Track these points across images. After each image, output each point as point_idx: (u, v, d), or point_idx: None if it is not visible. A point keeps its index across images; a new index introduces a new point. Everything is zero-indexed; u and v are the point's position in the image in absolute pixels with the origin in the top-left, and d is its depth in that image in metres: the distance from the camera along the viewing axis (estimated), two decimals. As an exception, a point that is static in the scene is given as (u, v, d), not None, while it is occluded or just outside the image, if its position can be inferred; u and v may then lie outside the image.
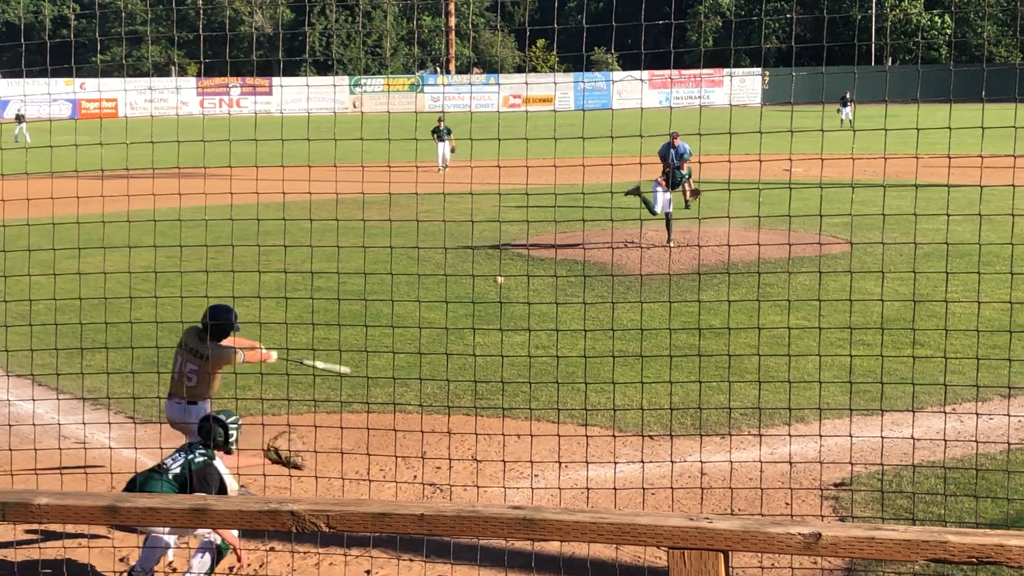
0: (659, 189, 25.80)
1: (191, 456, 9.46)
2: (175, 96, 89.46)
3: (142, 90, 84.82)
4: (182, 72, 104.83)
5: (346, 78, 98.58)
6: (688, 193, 33.35)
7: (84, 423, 11.63)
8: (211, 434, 9.62)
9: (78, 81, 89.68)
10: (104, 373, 12.46)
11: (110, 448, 12.10)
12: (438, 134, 42.98)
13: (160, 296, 10.18)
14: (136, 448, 11.66)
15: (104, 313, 10.68)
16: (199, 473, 9.35)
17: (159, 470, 9.45)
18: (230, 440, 9.69)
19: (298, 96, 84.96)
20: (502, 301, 9.07)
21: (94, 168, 9.80)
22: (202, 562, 9.49)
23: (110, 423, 12.01)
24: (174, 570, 9.94)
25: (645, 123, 10.31)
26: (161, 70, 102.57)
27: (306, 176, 8.92)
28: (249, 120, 9.69)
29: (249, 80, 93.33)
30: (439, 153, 42.40)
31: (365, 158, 8.64)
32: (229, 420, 9.75)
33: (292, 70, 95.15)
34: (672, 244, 25.31)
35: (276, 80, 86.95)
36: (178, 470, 9.41)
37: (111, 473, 11.96)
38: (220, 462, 9.53)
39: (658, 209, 25.73)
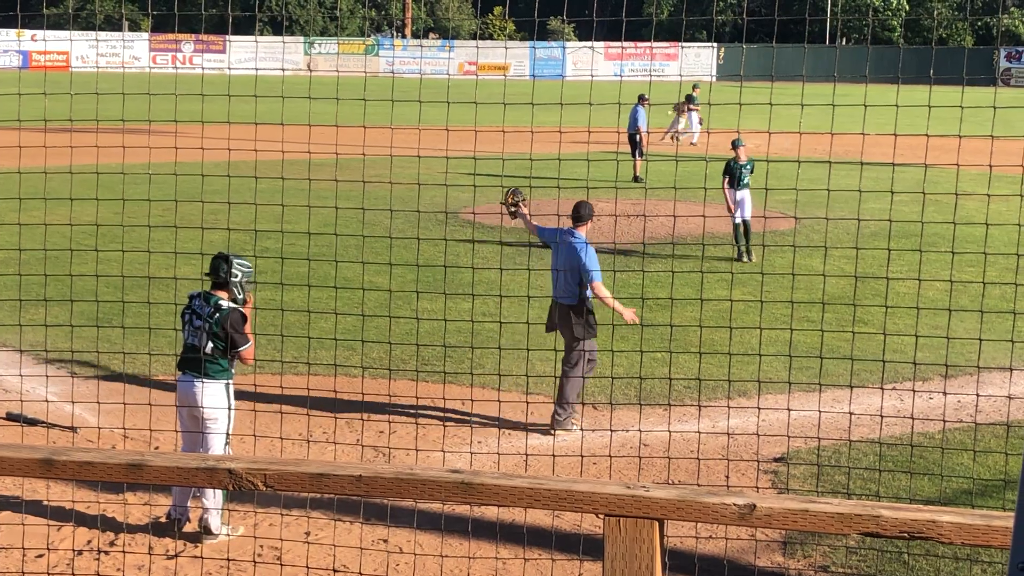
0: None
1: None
2: (127, 51, 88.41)
3: (93, 43, 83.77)
4: (135, 27, 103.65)
5: (300, 39, 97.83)
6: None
7: (21, 375, 11.52)
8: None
9: (29, 32, 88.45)
10: (43, 326, 12.34)
11: (47, 401, 12.00)
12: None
13: (102, 250, 10.08)
14: (73, 402, 11.56)
15: (44, 266, 10.57)
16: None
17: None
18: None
19: (252, 55, 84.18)
20: (447, 266, 9.07)
21: (38, 120, 9.68)
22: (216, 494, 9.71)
23: (47, 376, 11.91)
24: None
25: (600, 95, 10.29)
26: (114, 24, 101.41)
27: (255, 136, 8.84)
28: (203, 77, 9.57)
29: (202, 37, 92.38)
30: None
31: (316, 120, 8.58)
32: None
33: (247, 29, 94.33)
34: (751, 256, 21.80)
35: (229, 38, 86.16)
36: (211, 345, 9.84)
37: (48, 426, 11.87)
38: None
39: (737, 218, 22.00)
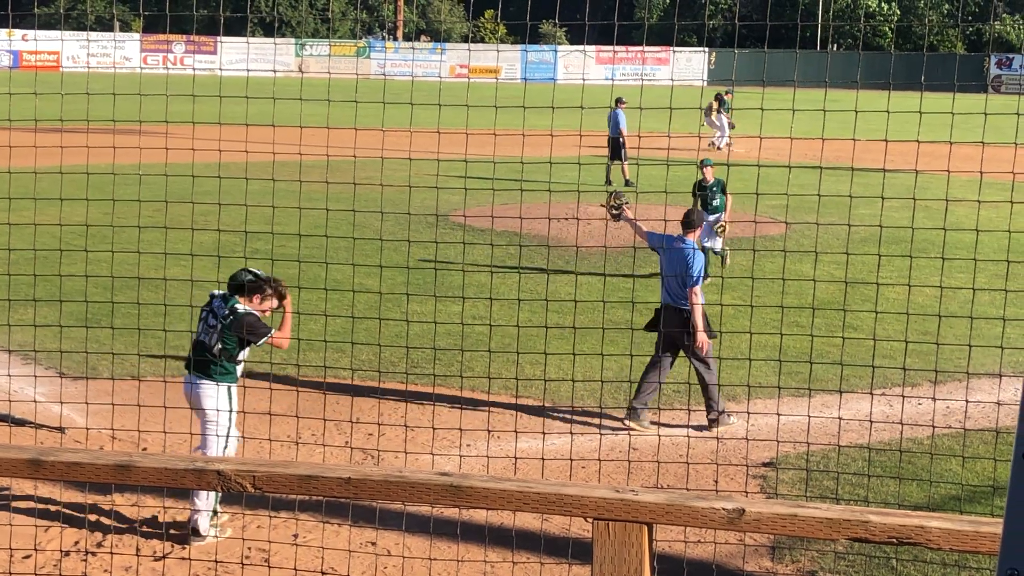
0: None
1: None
2: (118, 51, 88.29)
3: (84, 43, 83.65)
4: (126, 28, 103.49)
5: (292, 40, 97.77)
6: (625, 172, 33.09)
7: (9, 375, 11.49)
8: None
9: (20, 32, 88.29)
10: (32, 326, 12.31)
11: (35, 402, 11.98)
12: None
13: (91, 251, 10.06)
14: (62, 403, 11.54)
15: (34, 266, 10.55)
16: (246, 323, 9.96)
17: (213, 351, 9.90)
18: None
19: (244, 57, 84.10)
20: (437, 269, 9.07)
21: (29, 120, 9.66)
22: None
23: (35, 376, 11.88)
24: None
25: (592, 99, 10.29)
26: (105, 25, 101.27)
27: (246, 137, 8.83)
28: (194, 78, 9.55)
29: (194, 38, 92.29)
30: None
31: (307, 121, 8.57)
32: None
33: (239, 30, 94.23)
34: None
35: (220, 39, 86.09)
36: (220, 346, 9.88)
37: (36, 427, 11.85)
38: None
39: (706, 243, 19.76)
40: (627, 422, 12.63)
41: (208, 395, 9.89)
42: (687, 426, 12.42)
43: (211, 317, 10.06)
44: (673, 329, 12.56)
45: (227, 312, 10.00)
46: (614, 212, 13.80)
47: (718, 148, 40.58)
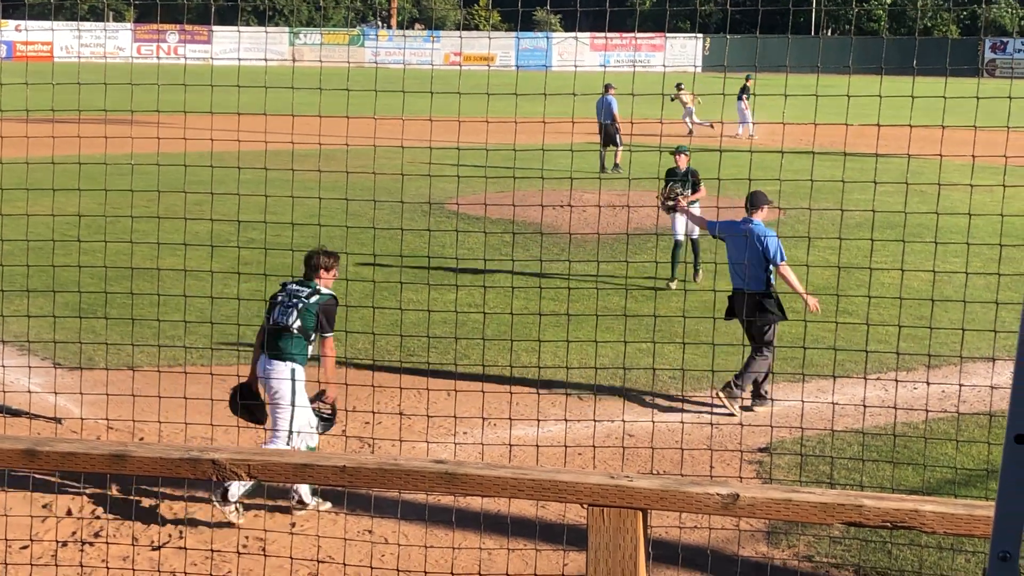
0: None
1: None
2: (111, 41, 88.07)
3: (77, 33, 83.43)
4: (119, 17, 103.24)
5: (285, 29, 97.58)
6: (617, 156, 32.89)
7: (3, 366, 11.48)
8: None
9: (12, 22, 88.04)
10: (25, 317, 12.30)
11: (30, 392, 11.97)
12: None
13: (84, 241, 10.05)
14: (56, 393, 11.53)
15: (27, 257, 10.53)
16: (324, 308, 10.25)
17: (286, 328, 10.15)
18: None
19: (237, 45, 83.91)
20: (430, 256, 9.06)
21: (20, 110, 9.64)
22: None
23: (30, 367, 11.87)
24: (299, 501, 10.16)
25: (587, 86, 10.28)
26: (98, 15, 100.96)
27: (238, 126, 8.82)
28: (189, 68, 9.54)
29: (187, 27, 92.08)
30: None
31: (300, 110, 8.56)
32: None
33: (232, 19, 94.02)
34: (684, 280, 18.67)
35: (213, 28, 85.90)
36: (299, 323, 10.16)
37: (31, 417, 11.84)
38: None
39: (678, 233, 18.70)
40: (720, 393, 12.73)
41: (277, 372, 10.15)
42: (682, 410, 12.45)
43: (288, 299, 10.34)
44: (748, 313, 12.62)
45: (310, 292, 10.33)
46: (668, 204, 13.76)
47: (740, 135, 40.18)
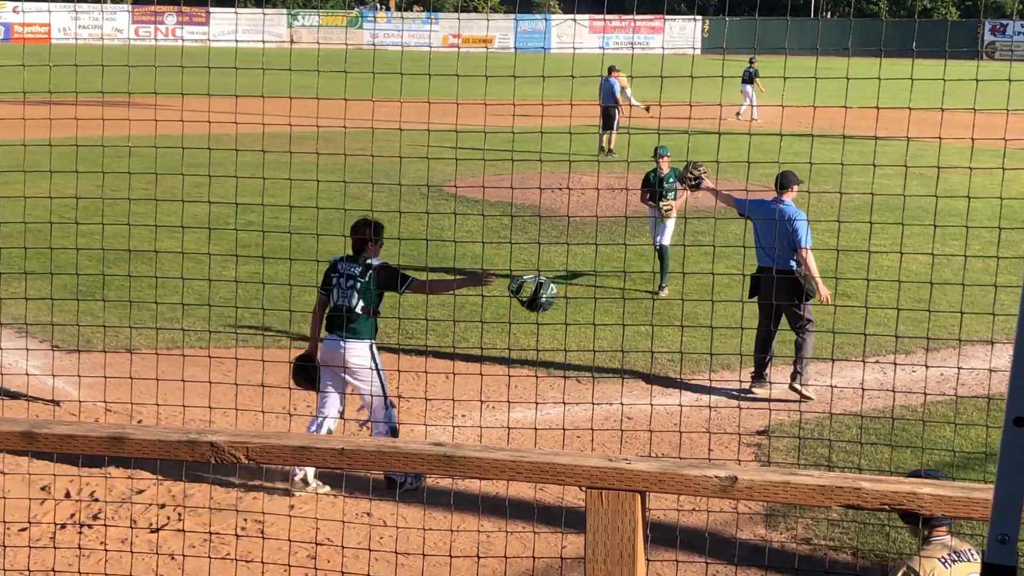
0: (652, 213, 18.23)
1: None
2: (109, 23, 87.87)
3: (74, 15, 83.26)
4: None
5: (283, 11, 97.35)
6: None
7: (1, 348, 11.47)
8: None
9: (10, 4, 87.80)
10: (23, 299, 12.29)
11: (28, 375, 11.96)
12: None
13: (82, 223, 10.02)
14: (54, 376, 11.53)
15: (24, 239, 10.52)
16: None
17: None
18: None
19: (235, 28, 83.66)
20: (428, 239, 9.06)
21: (17, 92, 9.61)
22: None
23: (28, 349, 11.86)
24: None
25: (586, 68, 10.25)
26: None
27: (236, 108, 8.80)
28: (187, 50, 9.52)
29: (184, 9, 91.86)
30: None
31: (298, 92, 8.53)
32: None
33: (231, 1, 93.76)
34: (662, 289, 17.39)
35: (211, 10, 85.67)
36: (362, 303, 10.30)
37: (30, 400, 11.84)
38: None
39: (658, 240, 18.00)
40: (792, 388, 12.82)
41: (354, 353, 10.25)
42: (680, 393, 12.45)
43: (344, 280, 10.40)
44: (776, 294, 12.60)
45: (361, 268, 10.37)
46: (692, 183, 13.68)
47: (740, 118, 39.92)
